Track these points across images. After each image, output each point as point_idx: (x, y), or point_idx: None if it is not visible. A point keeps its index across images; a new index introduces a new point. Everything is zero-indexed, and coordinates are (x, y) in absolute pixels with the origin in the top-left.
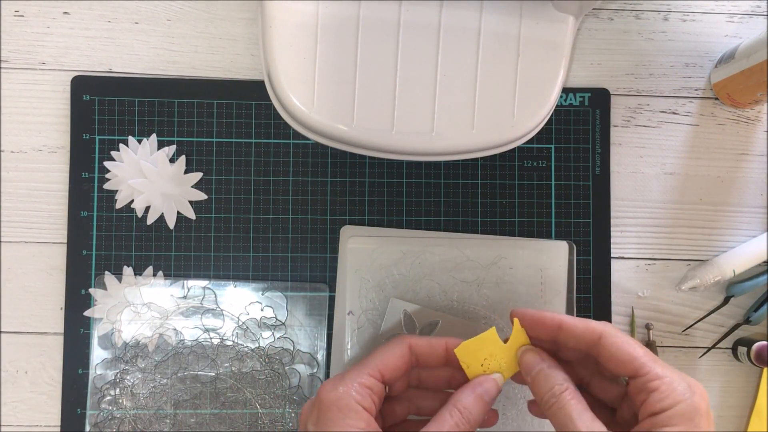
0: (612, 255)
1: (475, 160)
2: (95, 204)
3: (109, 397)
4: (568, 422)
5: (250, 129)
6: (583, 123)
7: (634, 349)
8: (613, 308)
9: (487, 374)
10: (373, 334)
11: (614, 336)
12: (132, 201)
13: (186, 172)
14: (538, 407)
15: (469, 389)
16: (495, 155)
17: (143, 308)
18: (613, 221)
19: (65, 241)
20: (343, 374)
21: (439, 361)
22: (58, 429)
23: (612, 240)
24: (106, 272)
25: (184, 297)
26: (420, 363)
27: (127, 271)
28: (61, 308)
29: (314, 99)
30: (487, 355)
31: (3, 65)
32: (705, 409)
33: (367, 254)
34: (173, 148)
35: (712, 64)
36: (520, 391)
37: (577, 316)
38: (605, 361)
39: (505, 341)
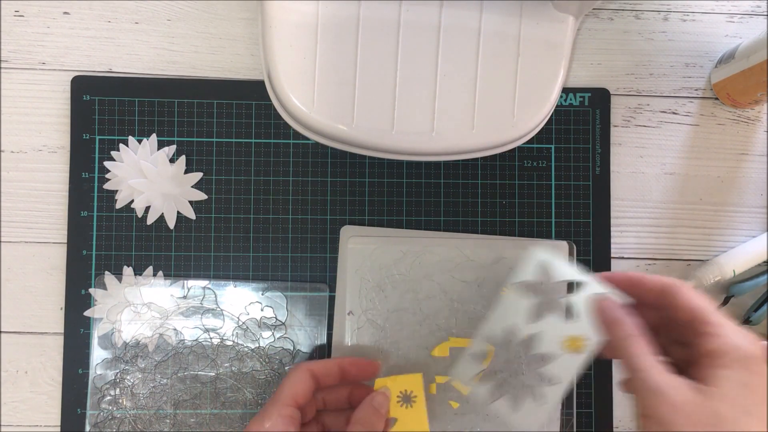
0: (612, 255)
1: (475, 160)
2: (95, 204)
3: (109, 397)
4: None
5: (250, 129)
6: (583, 123)
7: (700, 301)
8: None
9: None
10: (375, 333)
11: (682, 287)
12: (132, 201)
13: (186, 172)
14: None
15: (365, 405)
16: (495, 155)
17: (143, 308)
18: (613, 221)
19: (65, 241)
20: (264, 410)
21: (335, 379)
22: (58, 429)
23: (612, 240)
24: (106, 272)
25: (184, 297)
26: (320, 384)
27: (127, 271)
28: (61, 308)
29: (314, 99)
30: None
31: (3, 65)
32: (761, 357)
33: (367, 254)
34: (173, 148)
35: (712, 64)
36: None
37: None
38: (674, 311)
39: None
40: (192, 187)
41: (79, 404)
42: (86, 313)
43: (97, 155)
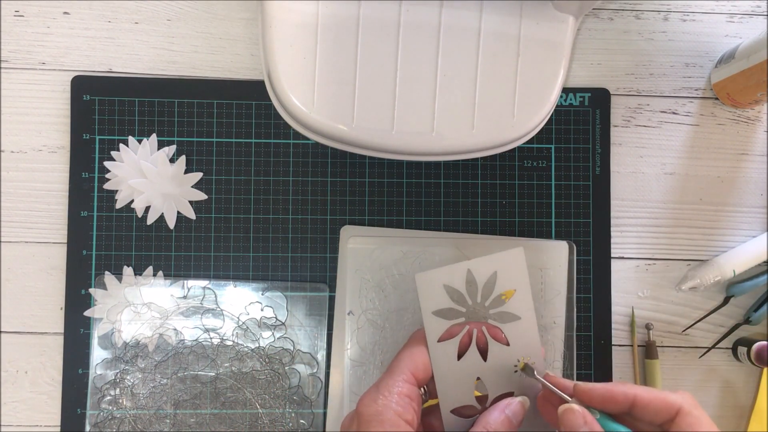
0: (612, 255)
1: (475, 160)
2: (95, 204)
3: (109, 397)
4: None
5: (250, 129)
6: (583, 123)
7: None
8: (613, 308)
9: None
10: (375, 333)
11: (691, 414)
12: (132, 201)
13: (186, 172)
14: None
15: (498, 410)
16: (495, 155)
17: (143, 308)
18: (613, 221)
19: (65, 241)
20: (378, 384)
21: None
22: (58, 429)
23: (612, 240)
24: (106, 272)
25: (184, 297)
26: None
27: (127, 271)
28: (61, 308)
29: (314, 99)
30: None
31: (3, 65)
32: None
33: (367, 254)
34: (173, 148)
35: (712, 64)
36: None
37: (577, 316)
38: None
39: None
40: (192, 187)
41: (79, 404)
42: (86, 313)
43: (97, 155)
